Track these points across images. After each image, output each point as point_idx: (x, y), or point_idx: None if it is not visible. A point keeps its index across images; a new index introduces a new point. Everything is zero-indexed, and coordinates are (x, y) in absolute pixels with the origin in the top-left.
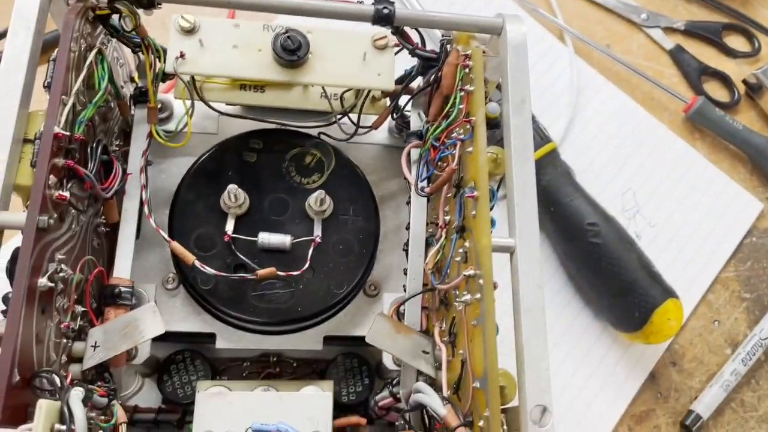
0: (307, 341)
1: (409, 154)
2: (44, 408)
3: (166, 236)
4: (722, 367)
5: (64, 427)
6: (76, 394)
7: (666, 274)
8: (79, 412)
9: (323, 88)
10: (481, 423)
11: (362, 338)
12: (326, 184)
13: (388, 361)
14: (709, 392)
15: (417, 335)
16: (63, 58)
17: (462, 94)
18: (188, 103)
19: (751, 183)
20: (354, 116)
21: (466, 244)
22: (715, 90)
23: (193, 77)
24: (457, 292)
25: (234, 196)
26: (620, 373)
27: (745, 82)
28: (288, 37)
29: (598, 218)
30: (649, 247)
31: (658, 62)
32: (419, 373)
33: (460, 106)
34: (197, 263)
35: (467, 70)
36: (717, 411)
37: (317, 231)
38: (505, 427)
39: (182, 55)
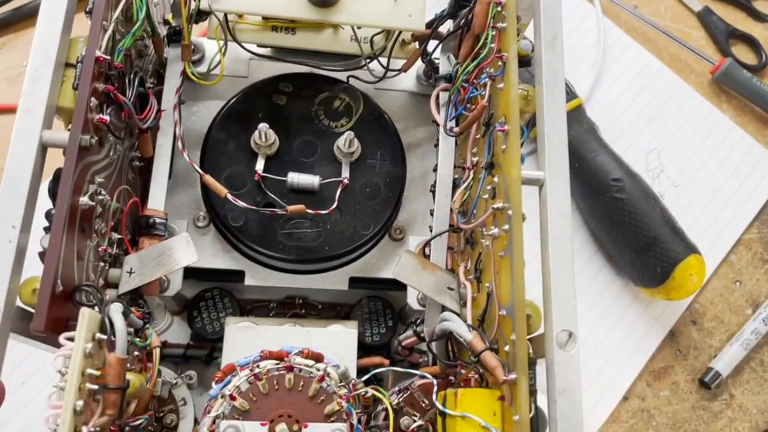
0: (333, 281)
1: (437, 97)
2: (87, 316)
3: (199, 170)
4: (742, 327)
5: (104, 337)
6: (116, 307)
7: (689, 232)
8: (120, 322)
9: (354, 30)
10: (507, 348)
11: (387, 281)
12: (354, 129)
13: (412, 301)
14: (728, 350)
15: (442, 272)
16: None
17: (494, 32)
18: (221, 42)
19: None
20: (383, 60)
21: (495, 179)
22: (743, 53)
23: (226, 16)
24: (484, 230)
25: (265, 135)
26: (640, 329)
27: None
28: None
29: (623, 174)
30: (673, 207)
31: (686, 24)
32: (443, 309)
33: (492, 45)
34: (230, 196)
35: (499, 8)
36: (736, 369)
37: (345, 173)
38: (531, 351)
39: None
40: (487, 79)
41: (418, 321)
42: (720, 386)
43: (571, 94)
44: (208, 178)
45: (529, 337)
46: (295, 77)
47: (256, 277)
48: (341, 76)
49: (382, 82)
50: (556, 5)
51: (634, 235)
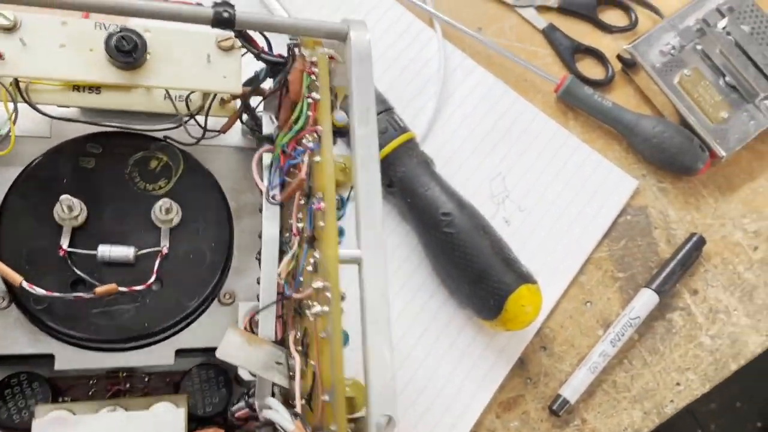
0: (158, 356)
1: (260, 159)
2: None
3: None
4: (592, 350)
5: None
6: None
7: (536, 257)
8: None
9: (166, 90)
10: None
11: (210, 349)
12: (174, 190)
13: (243, 373)
14: (576, 375)
15: (270, 346)
16: None
17: (309, 101)
18: (10, 106)
19: (626, 160)
20: (201, 118)
21: (316, 254)
22: (590, 67)
23: (16, 80)
24: (309, 303)
25: (67, 207)
26: (487, 359)
27: (619, 57)
28: (122, 37)
29: (453, 207)
30: (519, 232)
31: (532, 42)
32: (273, 383)
33: (309, 113)
34: (25, 284)
35: (313, 77)
36: (587, 393)
37: (164, 241)
38: None
39: (1, 56)
40: (304, 151)
41: (251, 392)
42: (571, 412)
43: (400, 129)
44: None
45: (352, 416)
46: (106, 136)
47: (69, 361)
48: (157, 135)
49: (205, 139)
50: (368, 75)
51: (467, 269)
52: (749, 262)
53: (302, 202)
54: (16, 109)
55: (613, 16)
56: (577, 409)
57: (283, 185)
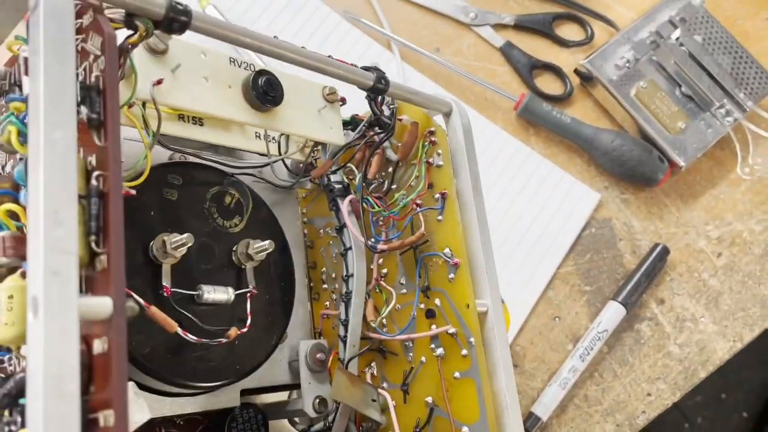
0: (226, 398)
1: (348, 210)
2: None
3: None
4: (562, 365)
5: None
6: None
7: (502, 275)
8: None
9: (265, 130)
10: None
11: (276, 387)
12: (247, 229)
13: (309, 409)
14: (547, 392)
15: (366, 385)
16: None
17: (424, 165)
18: (146, 135)
19: (588, 174)
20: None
21: (437, 302)
22: (549, 83)
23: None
24: (409, 345)
25: (180, 245)
26: None
27: (576, 72)
28: (269, 80)
29: None
30: None
31: (490, 61)
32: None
33: (419, 174)
34: (179, 330)
35: (430, 144)
36: (560, 408)
37: (252, 281)
38: None
39: (159, 82)
40: (420, 211)
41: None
42: (544, 429)
43: None
44: (155, 311)
45: None
46: (182, 167)
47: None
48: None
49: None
50: (473, 148)
51: None
52: (713, 269)
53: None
54: (154, 138)
55: (569, 31)
56: (550, 426)
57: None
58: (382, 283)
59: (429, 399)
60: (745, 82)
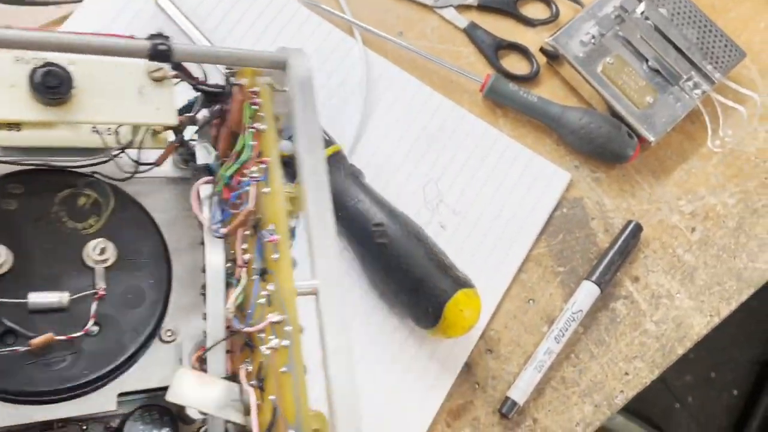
0: (99, 403)
1: (198, 192)
2: None
3: None
4: (537, 348)
5: None
6: None
7: (474, 259)
8: None
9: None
10: None
11: (163, 389)
12: (106, 228)
13: (192, 412)
14: (523, 376)
15: (223, 383)
16: None
17: (252, 131)
18: None
19: (558, 153)
20: (132, 152)
21: (270, 286)
22: (515, 63)
23: None
24: (263, 336)
25: None
26: (433, 368)
27: (542, 50)
28: (47, 72)
29: (384, 217)
30: (455, 236)
31: (454, 43)
32: (227, 421)
33: (252, 143)
34: None
35: (256, 107)
36: (537, 392)
37: (100, 283)
38: None
39: None
40: (250, 183)
41: (202, 430)
42: (522, 413)
43: (326, 142)
44: None
45: None
46: (27, 175)
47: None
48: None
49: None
50: (311, 102)
51: (404, 279)
52: (688, 244)
53: (248, 233)
54: None
55: (534, 9)
56: (528, 409)
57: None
58: (240, 269)
59: (272, 397)
60: (713, 54)
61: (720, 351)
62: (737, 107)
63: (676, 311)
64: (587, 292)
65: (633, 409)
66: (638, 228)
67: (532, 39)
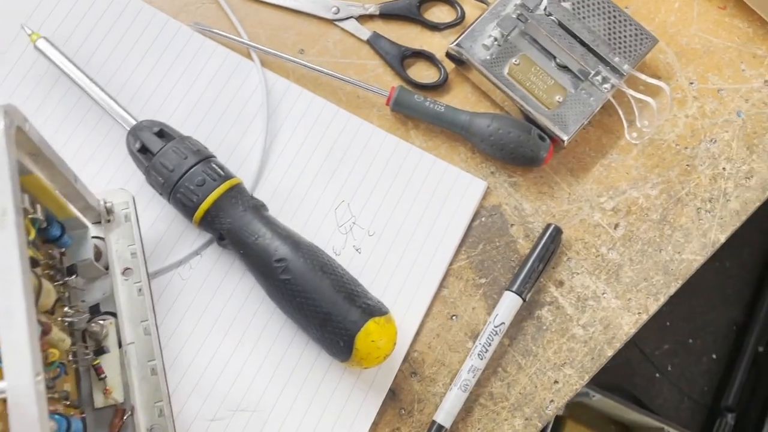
0: None
1: None
2: None
3: None
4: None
5: None
6: None
7: (393, 280)
8: None
9: None
10: None
11: None
12: None
13: None
14: (448, 397)
15: None
16: None
17: None
18: None
19: (473, 161)
20: None
21: None
22: (423, 71)
23: None
24: None
25: None
26: (357, 398)
27: (448, 56)
28: None
29: (287, 251)
30: (372, 258)
31: (359, 56)
32: None
33: None
34: None
35: None
36: (465, 410)
37: None
38: None
39: None
40: None
41: None
42: None
43: (221, 178)
44: None
45: None
46: None
47: None
48: None
49: None
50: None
51: (311, 314)
52: (611, 242)
53: None
54: None
55: (438, 13)
56: (457, 430)
57: None
58: None
59: None
60: (622, 44)
61: (696, 317)
62: (646, 99)
63: (603, 312)
64: (509, 304)
65: (614, 384)
66: (557, 231)
67: (440, 44)
